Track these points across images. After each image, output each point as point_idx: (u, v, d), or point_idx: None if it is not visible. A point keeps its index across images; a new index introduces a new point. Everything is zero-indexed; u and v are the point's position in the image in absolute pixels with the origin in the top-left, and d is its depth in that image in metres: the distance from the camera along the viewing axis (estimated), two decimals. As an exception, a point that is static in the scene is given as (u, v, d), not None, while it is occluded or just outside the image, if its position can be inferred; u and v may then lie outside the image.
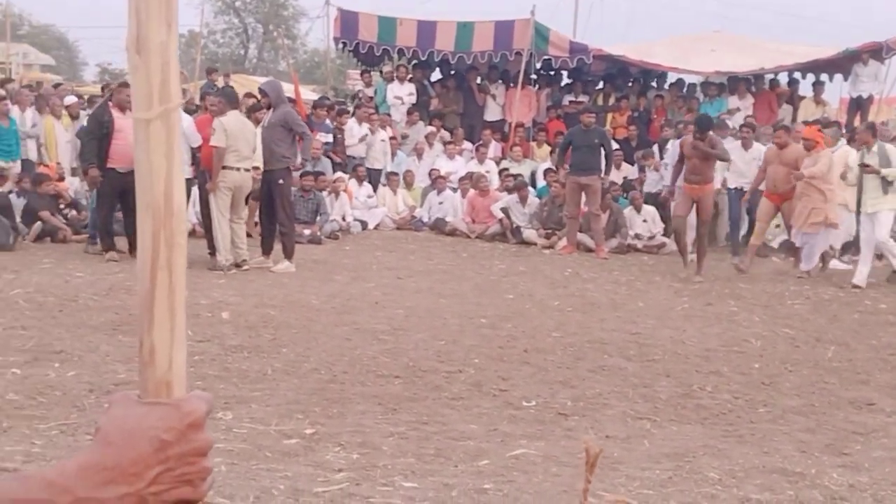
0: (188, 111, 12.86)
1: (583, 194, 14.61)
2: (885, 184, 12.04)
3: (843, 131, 16.33)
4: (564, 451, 5.33)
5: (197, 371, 6.54)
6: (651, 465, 5.19)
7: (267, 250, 11.73)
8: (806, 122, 17.40)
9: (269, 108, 11.77)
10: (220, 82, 20.22)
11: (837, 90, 21.20)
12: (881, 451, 5.59)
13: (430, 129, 18.66)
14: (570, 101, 19.84)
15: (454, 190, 16.80)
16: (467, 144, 18.48)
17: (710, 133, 12.59)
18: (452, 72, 20.63)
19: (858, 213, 12.63)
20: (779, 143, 13.26)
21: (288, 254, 11.50)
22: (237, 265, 11.30)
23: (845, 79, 19.71)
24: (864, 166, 12.20)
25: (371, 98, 19.61)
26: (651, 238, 15.33)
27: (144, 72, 1.04)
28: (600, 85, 20.76)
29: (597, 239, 14.63)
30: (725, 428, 5.97)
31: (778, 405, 6.49)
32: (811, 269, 12.99)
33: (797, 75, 20.15)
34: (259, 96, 12.96)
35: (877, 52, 18.44)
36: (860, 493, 4.89)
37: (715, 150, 12.43)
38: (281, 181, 11.38)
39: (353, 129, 17.50)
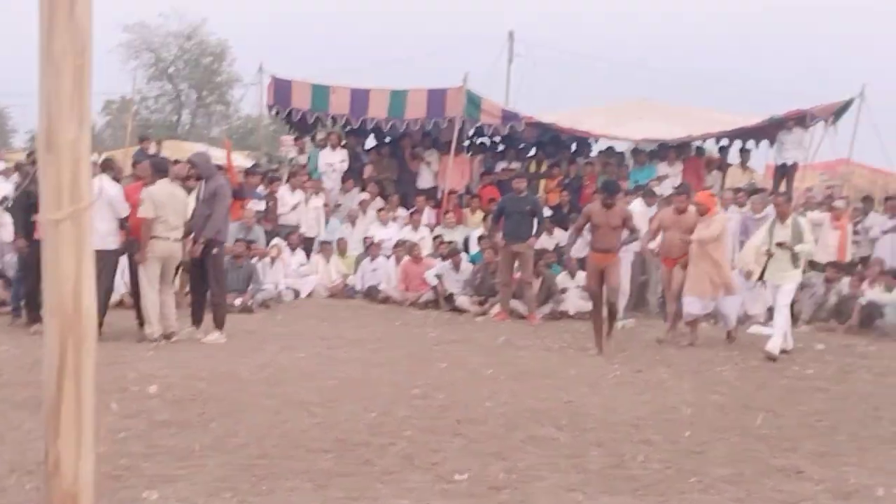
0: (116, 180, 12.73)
1: (515, 261, 14.71)
2: (795, 258, 12.03)
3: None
4: (496, 526, 5.30)
5: (122, 449, 6.41)
6: (582, 538, 5.18)
7: (197, 321, 11.60)
8: (735, 189, 17.77)
9: (198, 180, 11.74)
10: (153, 149, 20.09)
11: (764, 157, 21.66)
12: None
13: (364, 195, 18.71)
14: (503, 168, 20.02)
15: (387, 257, 16.81)
16: (401, 211, 18.54)
17: (618, 199, 12.30)
18: (387, 139, 20.77)
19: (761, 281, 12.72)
20: (679, 209, 13.14)
21: (218, 324, 11.38)
22: (166, 336, 11.15)
23: (771, 145, 20.15)
24: (779, 244, 12.05)
25: (304, 165, 19.64)
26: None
27: (54, 170, 1.03)
28: (532, 152, 20.99)
29: (529, 306, 14.71)
30: (657, 499, 5.97)
31: (708, 474, 6.52)
32: (733, 328, 13.23)
33: (725, 142, 20.55)
34: (190, 167, 12.91)
35: (801, 119, 18.89)
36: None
37: (628, 220, 12.10)
38: (214, 251, 11.30)
39: (286, 197, 17.49)
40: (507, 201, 15.06)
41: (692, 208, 13.05)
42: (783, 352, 11.90)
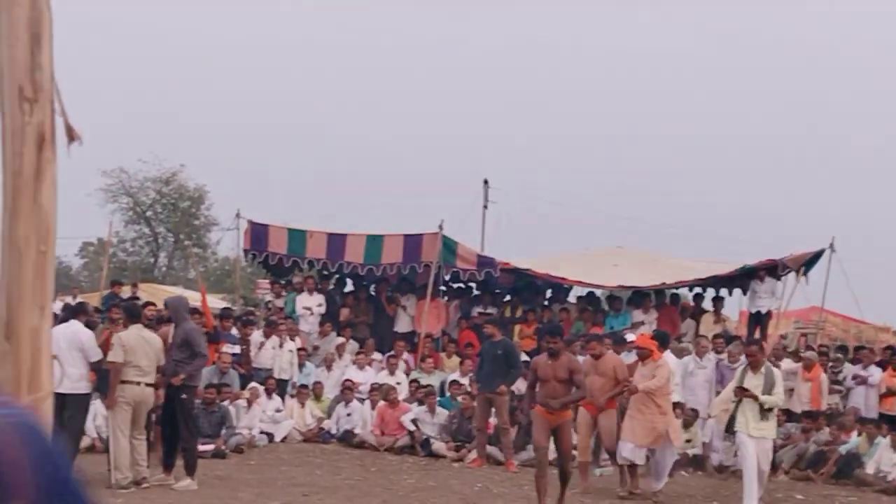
0: (89, 325, 12.69)
1: (491, 407, 14.63)
2: (763, 410, 11.26)
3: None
4: None
5: None
6: None
7: (168, 467, 11.41)
8: (715, 335, 17.84)
9: (168, 323, 11.81)
10: (128, 292, 20.10)
11: (737, 304, 21.82)
12: None
13: (341, 339, 18.68)
14: (479, 313, 20.06)
15: (362, 401, 16.67)
16: (377, 355, 18.48)
17: (562, 349, 11.13)
18: (364, 283, 20.85)
19: (730, 433, 12.09)
20: (593, 354, 12.76)
21: (189, 470, 11.20)
22: (136, 483, 10.95)
23: (744, 293, 20.32)
24: (741, 389, 11.31)
25: (281, 309, 19.65)
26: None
27: (14, 359, 1.02)
28: (508, 297, 21.08)
29: (506, 452, 14.55)
30: None
31: None
32: (661, 486, 12.43)
33: (699, 290, 20.73)
34: (162, 308, 12.93)
35: (773, 269, 19.11)
36: None
37: (575, 373, 10.81)
38: (184, 396, 11.21)
39: (260, 341, 17.43)
40: (484, 348, 15.09)
41: (610, 353, 13.03)
42: None
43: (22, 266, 1.02)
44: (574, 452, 11.74)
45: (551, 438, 10.83)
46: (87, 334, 11.42)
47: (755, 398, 11.14)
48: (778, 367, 13.74)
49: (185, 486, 11.02)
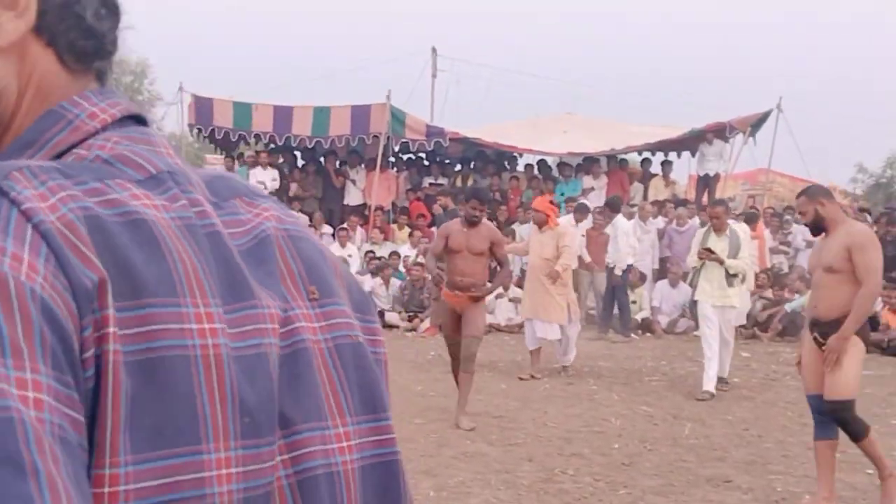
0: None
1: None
2: (729, 276, 10.21)
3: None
4: (427, 546, 5.24)
5: None
6: (514, 555, 5.13)
7: None
8: (656, 202, 17.96)
9: None
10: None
11: (686, 167, 21.94)
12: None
13: (289, 213, 18.54)
14: (430, 184, 20.01)
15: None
16: (327, 228, 18.41)
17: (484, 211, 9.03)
18: (312, 156, 20.64)
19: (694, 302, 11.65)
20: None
21: None
22: None
23: (693, 156, 20.41)
24: (707, 251, 10.20)
25: (230, 184, 19.41)
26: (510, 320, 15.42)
27: None
28: (458, 167, 21.01)
29: None
30: (587, 512, 5.96)
31: (638, 486, 6.53)
32: (572, 358, 11.42)
33: (648, 154, 20.77)
34: None
35: (720, 131, 19.18)
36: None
37: (497, 247, 8.78)
38: None
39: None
40: (438, 218, 15.04)
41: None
42: (704, 395, 9.94)
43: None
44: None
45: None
46: None
47: (720, 262, 10.08)
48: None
49: None
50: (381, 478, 0.85)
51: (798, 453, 7.72)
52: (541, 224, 11.07)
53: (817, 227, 6.03)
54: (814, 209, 5.97)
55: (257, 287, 0.78)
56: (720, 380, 10.34)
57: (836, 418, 5.98)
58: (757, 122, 19.40)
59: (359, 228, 18.52)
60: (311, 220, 18.32)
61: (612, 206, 15.03)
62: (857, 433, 6.03)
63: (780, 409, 9.61)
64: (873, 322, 14.27)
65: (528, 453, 7.43)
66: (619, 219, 14.50)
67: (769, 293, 15.47)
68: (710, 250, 10.14)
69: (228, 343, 0.73)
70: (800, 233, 17.21)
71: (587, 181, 19.40)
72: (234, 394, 0.72)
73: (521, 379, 10.86)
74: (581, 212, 15.68)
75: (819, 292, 6.09)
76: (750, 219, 15.85)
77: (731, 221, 10.69)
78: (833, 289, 5.93)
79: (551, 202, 12.69)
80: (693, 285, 11.48)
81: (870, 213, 19.71)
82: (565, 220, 15.57)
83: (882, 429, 8.79)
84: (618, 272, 14.24)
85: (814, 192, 6.16)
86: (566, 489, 6.47)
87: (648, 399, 9.87)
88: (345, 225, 18.19)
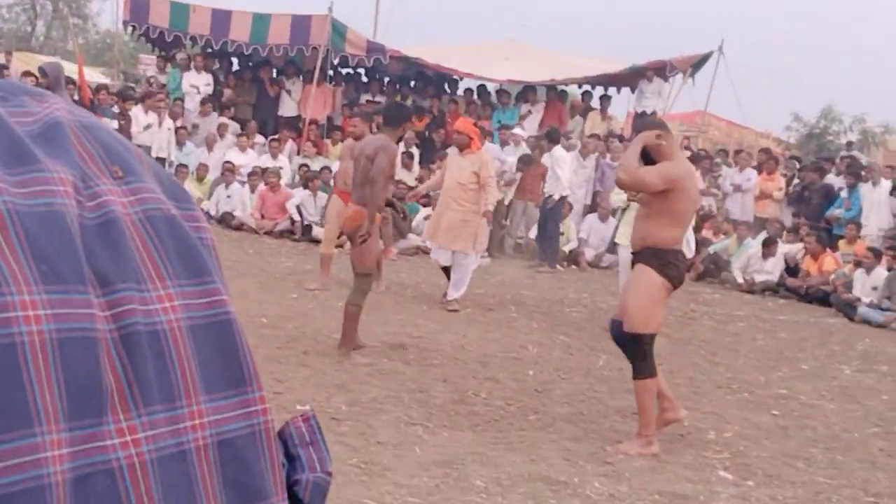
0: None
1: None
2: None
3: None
4: (334, 458, 5.23)
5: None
6: (420, 472, 5.17)
7: None
8: (594, 135, 17.97)
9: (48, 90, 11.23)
10: (1, 60, 19.18)
11: (625, 103, 21.97)
12: (642, 461, 5.76)
13: (223, 120, 18.25)
14: (367, 101, 19.78)
15: (243, 184, 16.43)
16: (259, 138, 18.15)
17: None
18: (248, 63, 20.29)
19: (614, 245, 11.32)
20: (354, 135, 10.72)
21: None
22: None
23: (632, 92, 20.42)
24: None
25: (164, 86, 19.04)
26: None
27: None
28: (397, 86, 20.78)
29: (385, 240, 14.60)
30: (496, 435, 6.02)
31: (548, 413, 6.60)
32: (460, 295, 10.64)
33: (588, 88, 20.72)
34: (38, 76, 12.30)
35: (661, 69, 19.21)
36: (619, 503, 5.01)
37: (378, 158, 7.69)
38: None
39: (139, 117, 16.92)
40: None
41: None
42: None
43: None
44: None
45: None
46: None
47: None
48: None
49: None
50: (215, 337, 0.81)
51: (708, 391, 7.87)
52: (462, 147, 10.47)
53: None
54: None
55: (46, 158, 0.75)
56: None
57: (629, 349, 6.00)
58: (697, 63, 19.45)
59: (290, 141, 18.28)
60: (243, 129, 18.06)
61: (551, 138, 14.74)
62: (640, 370, 5.96)
63: (694, 347, 9.78)
64: (794, 269, 14.62)
65: (444, 374, 7.47)
66: (558, 150, 14.42)
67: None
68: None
69: (15, 201, 0.70)
70: (728, 176, 17.41)
71: (524, 108, 19.35)
72: (25, 243, 0.69)
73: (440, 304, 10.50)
74: (525, 162, 15.52)
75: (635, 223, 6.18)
76: (696, 159, 15.92)
77: None
78: (640, 220, 6.06)
79: (476, 125, 12.05)
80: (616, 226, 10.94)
81: (799, 161, 20.00)
82: (493, 148, 15.57)
83: (792, 373, 9.02)
84: (550, 203, 14.22)
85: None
86: (477, 411, 6.51)
87: (567, 329, 9.96)
88: (277, 136, 17.96)
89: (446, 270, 10.80)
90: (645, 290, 5.83)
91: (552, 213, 14.36)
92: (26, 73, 15.27)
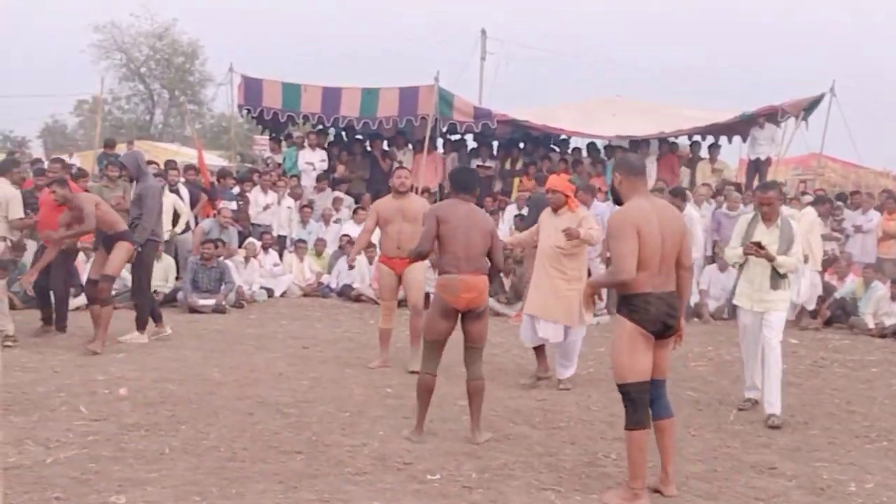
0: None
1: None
2: (776, 276, 8.38)
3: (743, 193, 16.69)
4: (468, 527, 5.26)
5: (91, 452, 6.34)
6: (555, 538, 5.14)
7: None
8: (705, 184, 17.75)
9: (131, 181, 11.69)
10: (123, 151, 19.99)
11: (737, 151, 21.72)
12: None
13: (338, 194, 18.64)
14: (478, 166, 19.99)
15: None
16: (374, 210, 18.43)
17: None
18: (358, 137, 20.72)
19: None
20: (398, 190, 10.30)
21: (140, 325, 11.14)
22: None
23: (743, 141, 20.18)
24: (756, 245, 8.40)
25: (279, 165, 19.60)
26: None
27: None
28: (507, 150, 20.92)
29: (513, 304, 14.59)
30: (629, 496, 5.95)
31: (681, 471, 6.50)
32: (572, 373, 9.61)
33: (697, 138, 20.54)
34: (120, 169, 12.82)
35: (772, 115, 18.99)
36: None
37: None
38: (139, 249, 11.03)
39: (258, 198, 17.41)
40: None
41: (417, 196, 10.56)
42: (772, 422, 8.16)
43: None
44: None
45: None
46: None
47: (770, 259, 8.34)
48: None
49: (132, 339, 11.02)
50: None
51: (844, 441, 7.65)
52: (557, 206, 9.43)
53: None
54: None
55: None
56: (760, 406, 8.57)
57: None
58: (809, 106, 19.15)
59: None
60: (358, 202, 18.39)
61: (680, 195, 13.94)
62: (626, 420, 5.91)
63: (826, 396, 9.53)
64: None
65: (571, 436, 7.43)
66: (689, 209, 14.05)
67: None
68: (758, 244, 8.36)
69: None
70: (850, 219, 17.02)
71: (638, 163, 19.27)
72: None
73: (523, 386, 9.53)
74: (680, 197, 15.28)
75: None
76: (818, 202, 15.51)
77: (784, 208, 9.67)
78: None
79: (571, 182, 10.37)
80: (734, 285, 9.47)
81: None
82: (610, 207, 15.46)
83: None
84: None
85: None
86: (609, 473, 6.46)
87: (694, 384, 9.81)
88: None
89: (537, 349, 9.76)
90: (618, 338, 5.81)
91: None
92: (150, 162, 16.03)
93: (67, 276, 11.78)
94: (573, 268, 9.32)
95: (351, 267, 12.29)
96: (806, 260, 14.35)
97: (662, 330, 5.81)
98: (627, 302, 5.74)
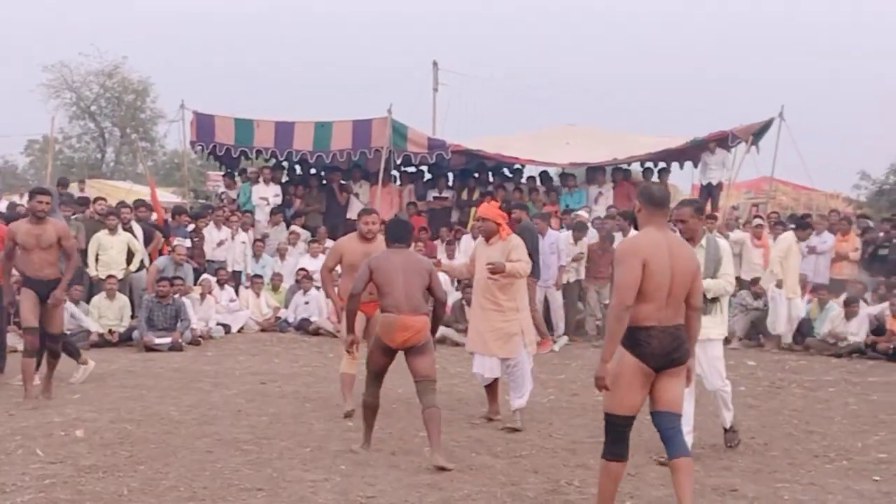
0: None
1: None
2: (706, 300, 7.50)
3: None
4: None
5: (48, 496, 6.24)
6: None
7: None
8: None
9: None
10: (76, 190, 19.81)
11: (689, 177, 21.92)
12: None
13: (294, 228, 18.57)
14: (435, 197, 20.05)
15: (318, 289, 16.62)
16: (330, 242, 18.38)
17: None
18: (312, 170, 20.69)
19: None
20: (363, 235, 9.76)
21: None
22: None
23: (695, 166, 20.38)
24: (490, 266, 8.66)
25: (234, 200, 19.50)
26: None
27: None
28: (462, 180, 20.95)
29: (541, 331, 14.41)
30: (594, 523, 5.94)
31: (644, 496, 6.51)
32: (524, 402, 9.00)
33: (650, 164, 20.70)
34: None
35: (723, 140, 19.18)
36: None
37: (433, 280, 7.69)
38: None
39: (213, 234, 17.30)
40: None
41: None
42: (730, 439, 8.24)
43: None
44: None
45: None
46: None
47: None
48: (726, 237, 13.69)
49: (82, 375, 10.78)
50: None
51: (804, 461, 7.70)
52: (489, 235, 9.06)
53: None
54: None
55: None
56: (727, 430, 8.26)
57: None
58: (759, 131, 19.35)
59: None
60: (314, 235, 18.33)
61: (630, 218, 13.55)
62: (603, 449, 5.93)
63: (785, 418, 9.60)
64: (880, 329, 14.31)
65: (534, 465, 7.42)
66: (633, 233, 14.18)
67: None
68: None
69: None
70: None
71: (593, 190, 19.45)
72: None
73: (480, 421, 9.15)
74: (579, 230, 15.63)
75: None
76: (801, 226, 15.55)
77: (736, 232, 9.69)
78: None
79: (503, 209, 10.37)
80: None
81: (870, 220, 19.72)
82: (565, 235, 15.57)
83: (889, 436, 8.80)
84: None
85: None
86: (572, 500, 6.46)
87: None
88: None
89: (488, 387, 9.32)
90: (617, 369, 5.63)
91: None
92: (98, 199, 15.97)
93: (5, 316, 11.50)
94: (507, 298, 8.89)
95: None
96: (779, 285, 14.57)
97: (667, 364, 5.69)
98: (631, 334, 5.61)
